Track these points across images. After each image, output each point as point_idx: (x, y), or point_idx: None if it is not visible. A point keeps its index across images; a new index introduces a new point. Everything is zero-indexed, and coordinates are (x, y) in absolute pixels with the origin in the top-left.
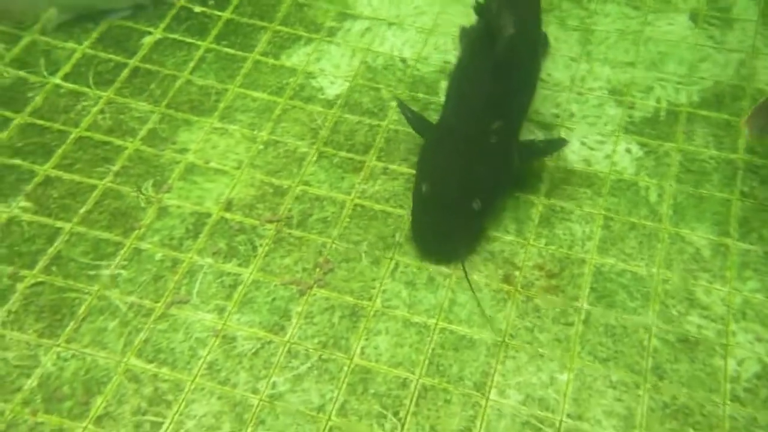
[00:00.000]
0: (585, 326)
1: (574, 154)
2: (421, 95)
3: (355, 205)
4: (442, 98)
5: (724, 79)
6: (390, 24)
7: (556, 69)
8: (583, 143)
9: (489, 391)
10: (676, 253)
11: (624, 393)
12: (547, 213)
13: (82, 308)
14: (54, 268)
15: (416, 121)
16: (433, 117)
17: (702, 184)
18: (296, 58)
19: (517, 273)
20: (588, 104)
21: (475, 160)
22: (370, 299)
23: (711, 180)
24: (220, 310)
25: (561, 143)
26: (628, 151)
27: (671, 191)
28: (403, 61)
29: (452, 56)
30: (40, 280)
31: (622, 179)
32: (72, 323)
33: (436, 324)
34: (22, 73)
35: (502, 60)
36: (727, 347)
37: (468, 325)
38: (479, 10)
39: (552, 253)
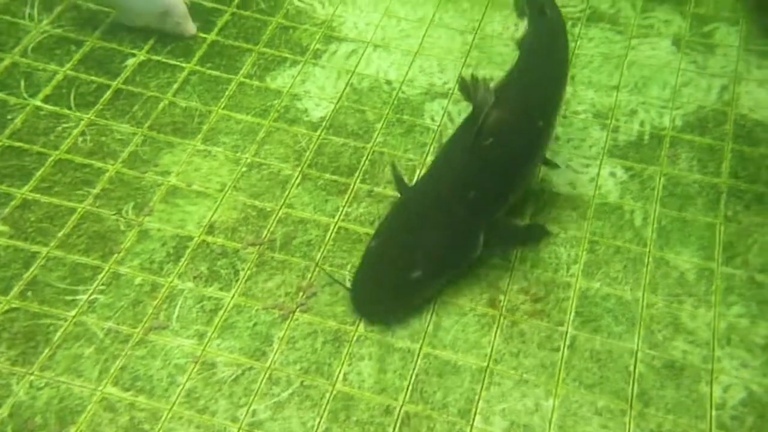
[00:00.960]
0: (570, 351)
1: (559, 176)
2: (406, 117)
3: (339, 227)
4: (427, 120)
5: (707, 104)
6: (376, 46)
7: None
8: (568, 166)
9: (473, 418)
10: (660, 278)
11: (610, 420)
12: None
13: (58, 335)
14: (29, 294)
15: (400, 183)
16: (418, 139)
17: (686, 208)
18: (281, 80)
19: (502, 297)
20: (573, 127)
21: (429, 231)
22: (353, 324)
23: (695, 204)
24: (200, 336)
25: (540, 233)
26: (613, 174)
27: (656, 215)
28: (389, 83)
29: (437, 78)
30: (14, 306)
31: (606, 202)
32: (47, 350)
33: (420, 349)
34: (1, 95)
35: (480, 141)
36: (712, 374)
37: (453, 350)
38: (463, 85)
39: (537, 277)
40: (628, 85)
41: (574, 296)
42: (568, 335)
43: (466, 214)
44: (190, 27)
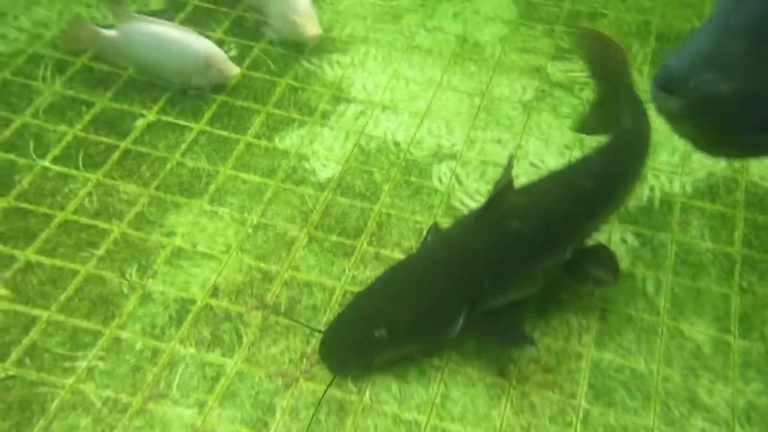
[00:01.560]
0: (584, 426)
1: None
2: (413, 179)
3: (345, 291)
4: (435, 182)
5: (717, 171)
6: (384, 108)
7: (549, 156)
8: None
9: None
10: (675, 349)
11: None
12: (541, 302)
13: (54, 404)
14: (27, 360)
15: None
16: (426, 200)
17: (699, 277)
18: (289, 140)
19: (512, 366)
20: None
21: (405, 296)
22: (358, 393)
23: (708, 273)
24: (201, 405)
25: (522, 342)
26: (624, 240)
27: (668, 283)
28: (397, 144)
29: (445, 140)
30: (11, 373)
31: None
32: (42, 421)
33: (428, 421)
34: (11, 156)
35: (482, 221)
36: None
37: (461, 423)
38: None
39: (548, 346)
40: None
41: (586, 367)
42: (581, 409)
43: (449, 292)
44: (233, 67)
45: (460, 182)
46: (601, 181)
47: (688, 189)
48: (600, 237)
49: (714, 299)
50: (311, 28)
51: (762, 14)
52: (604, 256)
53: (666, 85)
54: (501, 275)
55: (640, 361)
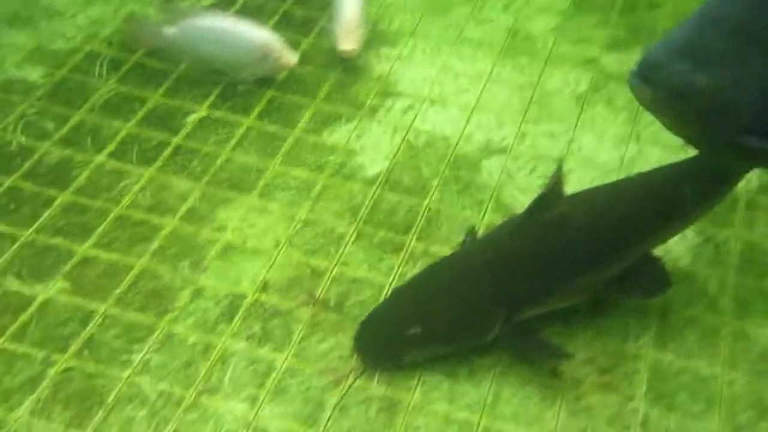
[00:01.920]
0: (643, 429)
1: None
2: (463, 174)
3: (394, 288)
4: (484, 177)
5: None
6: (432, 102)
7: (603, 149)
8: None
9: None
10: (741, 352)
11: None
12: (598, 303)
13: (112, 396)
14: (86, 353)
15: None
16: (475, 196)
17: (766, 276)
18: (337, 135)
19: (565, 367)
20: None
21: (443, 295)
22: (408, 391)
23: None
24: (252, 400)
25: (554, 354)
26: (683, 237)
27: (732, 283)
28: (445, 139)
29: (495, 134)
30: (71, 365)
31: (677, 267)
32: (101, 412)
33: (480, 421)
34: (69, 152)
35: (528, 224)
36: None
37: (515, 423)
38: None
39: (603, 346)
40: None
41: (644, 369)
42: (640, 412)
43: (487, 296)
44: (291, 56)
45: (510, 177)
46: (669, 200)
47: (755, 183)
48: None
49: None
50: (347, 43)
51: (744, 7)
52: (652, 268)
53: (643, 73)
54: (542, 284)
55: (702, 364)
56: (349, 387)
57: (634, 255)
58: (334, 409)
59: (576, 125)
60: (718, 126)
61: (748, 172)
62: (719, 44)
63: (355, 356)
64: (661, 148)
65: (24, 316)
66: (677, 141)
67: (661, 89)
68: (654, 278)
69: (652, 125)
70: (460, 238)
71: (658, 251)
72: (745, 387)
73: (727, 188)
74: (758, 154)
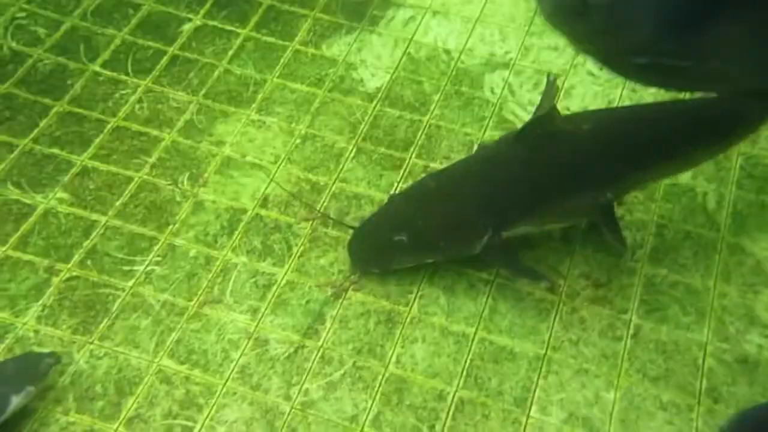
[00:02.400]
0: (634, 341)
1: None
2: (465, 89)
3: None
4: (486, 92)
5: None
6: (435, 13)
7: None
8: None
9: (530, 408)
10: (735, 266)
11: (675, 415)
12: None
13: (116, 305)
14: (89, 263)
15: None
16: (477, 112)
17: (765, 191)
18: (337, 48)
19: (561, 281)
20: (643, 101)
21: (431, 205)
22: (406, 305)
23: None
24: (254, 311)
25: (537, 278)
26: None
27: (731, 198)
28: (447, 52)
29: (498, 48)
30: (75, 274)
31: (677, 183)
32: (106, 320)
33: (475, 333)
34: (62, 59)
35: (522, 141)
36: None
37: (509, 335)
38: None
39: (599, 262)
40: None
41: (639, 283)
42: (632, 324)
43: (476, 210)
44: None
45: (512, 93)
46: (670, 132)
47: None
48: None
49: None
50: None
51: None
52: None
53: None
54: (531, 202)
55: (696, 277)
56: (345, 293)
57: (626, 185)
58: (333, 321)
59: None
60: (613, 43)
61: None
62: None
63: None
64: None
65: (26, 225)
66: None
67: (559, 3)
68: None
69: None
70: (461, 155)
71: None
72: (736, 299)
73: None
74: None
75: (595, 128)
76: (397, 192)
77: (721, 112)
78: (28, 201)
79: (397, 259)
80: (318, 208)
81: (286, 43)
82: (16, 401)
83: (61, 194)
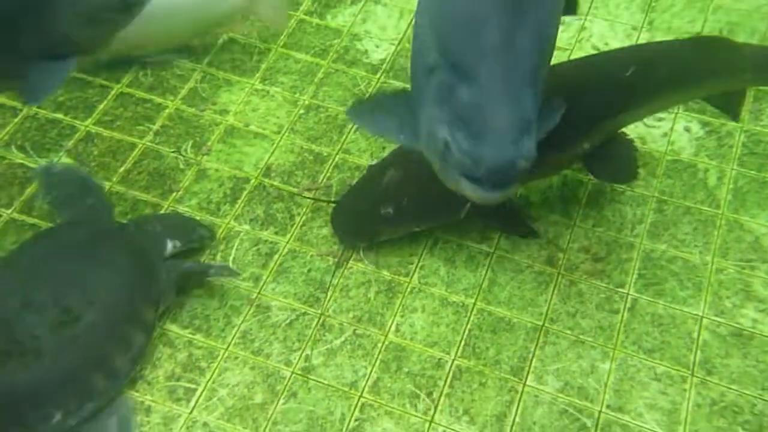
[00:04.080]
0: (630, 314)
1: (628, 131)
2: None
3: None
4: None
5: None
6: None
7: (615, 38)
8: None
9: (526, 377)
10: (733, 242)
11: (669, 386)
12: (596, 193)
13: None
14: None
15: None
16: None
17: (766, 168)
18: (341, 18)
19: (561, 255)
20: None
21: (417, 176)
22: (407, 275)
23: None
24: (256, 279)
25: (525, 231)
26: (688, 129)
27: (732, 174)
28: None
29: None
30: None
31: (678, 160)
32: None
33: (474, 304)
34: None
35: None
36: None
37: (507, 306)
38: None
39: (599, 236)
40: (712, 32)
41: (637, 257)
42: (629, 297)
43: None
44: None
45: None
46: (644, 77)
47: None
48: (662, 125)
49: None
50: None
51: None
52: (623, 150)
53: None
54: None
55: (694, 253)
56: (340, 265)
57: (601, 134)
58: (334, 289)
59: (587, 12)
60: None
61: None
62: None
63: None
64: (674, 35)
65: (30, 189)
66: (690, 28)
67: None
68: (623, 163)
69: (666, 12)
70: None
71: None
72: (733, 275)
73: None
74: None
75: (570, 75)
76: (375, 163)
77: (691, 54)
78: (32, 165)
79: (384, 231)
80: (321, 180)
81: (291, 12)
82: (169, 246)
83: (65, 159)
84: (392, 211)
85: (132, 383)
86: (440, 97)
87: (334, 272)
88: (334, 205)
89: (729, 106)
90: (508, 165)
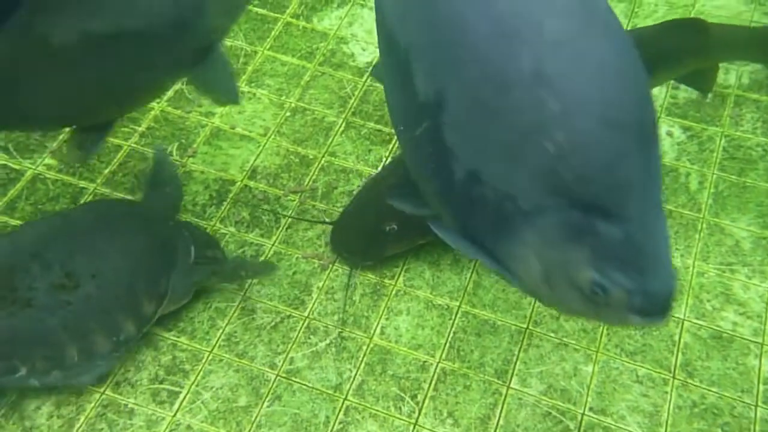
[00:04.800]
0: None
1: None
2: None
3: None
4: None
5: None
6: None
7: None
8: None
9: (510, 379)
10: (714, 245)
11: (651, 389)
12: None
13: None
14: None
15: None
16: None
17: (746, 173)
18: (328, 21)
19: None
20: None
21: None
22: (392, 278)
23: (756, 169)
24: (241, 282)
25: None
26: (670, 134)
27: (713, 179)
28: None
29: None
30: None
31: (661, 164)
32: None
33: (459, 307)
34: None
35: None
36: (762, 347)
37: (492, 310)
38: None
39: None
40: None
41: None
42: None
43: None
44: None
45: None
46: None
47: (745, 80)
48: None
49: (760, 195)
50: None
51: None
52: None
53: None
54: None
55: (675, 256)
56: (332, 265)
57: None
58: (320, 292)
59: None
60: None
61: None
62: None
63: (334, 255)
64: None
65: (13, 191)
66: None
67: None
68: None
69: (648, 18)
70: None
71: None
72: (714, 278)
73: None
74: None
75: None
76: (370, 178)
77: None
78: (15, 166)
79: (390, 247)
80: (306, 183)
81: (278, 15)
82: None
83: (48, 161)
84: (397, 227)
85: (116, 386)
86: (570, 238)
87: (326, 273)
88: (330, 224)
89: (701, 82)
90: (673, 290)
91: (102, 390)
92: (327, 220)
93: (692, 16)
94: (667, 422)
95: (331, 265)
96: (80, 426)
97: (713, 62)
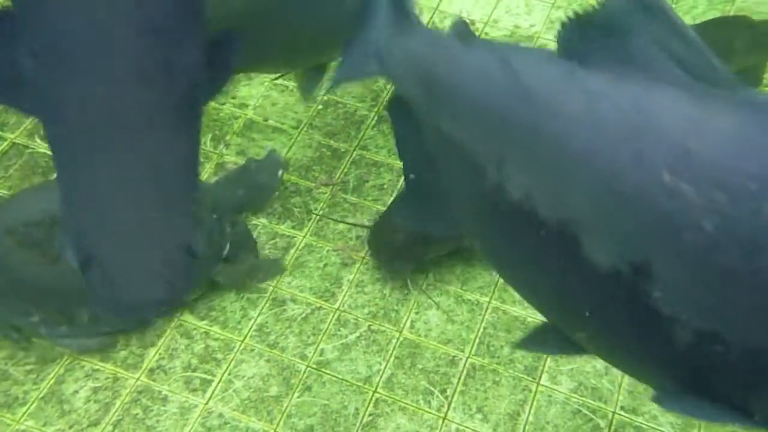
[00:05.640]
0: None
1: None
2: None
3: None
4: None
5: None
6: None
7: None
8: None
9: (540, 376)
10: None
11: None
12: None
13: None
14: None
15: None
16: None
17: None
18: None
19: None
20: None
21: None
22: (422, 272)
23: None
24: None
25: None
26: None
27: None
28: (472, 23)
29: (523, 20)
30: None
31: None
32: None
33: (489, 302)
34: None
35: None
36: None
37: (522, 306)
38: None
39: None
40: None
41: None
42: None
43: None
44: None
45: None
46: None
47: None
48: None
49: None
50: None
51: None
52: None
53: None
54: None
55: None
56: (363, 259)
57: None
58: (350, 285)
59: None
60: None
61: None
62: None
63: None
64: None
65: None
66: None
67: None
68: None
69: (687, 15)
70: None
71: None
72: None
73: None
74: None
75: None
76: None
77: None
78: None
79: (433, 249)
80: (338, 176)
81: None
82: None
83: None
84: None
85: (150, 373)
86: None
87: (357, 266)
88: (368, 228)
89: (749, 80)
90: None
91: (137, 376)
92: (366, 223)
93: (733, 11)
94: (700, 424)
95: (362, 259)
96: (116, 410)
97: (760, 59)
